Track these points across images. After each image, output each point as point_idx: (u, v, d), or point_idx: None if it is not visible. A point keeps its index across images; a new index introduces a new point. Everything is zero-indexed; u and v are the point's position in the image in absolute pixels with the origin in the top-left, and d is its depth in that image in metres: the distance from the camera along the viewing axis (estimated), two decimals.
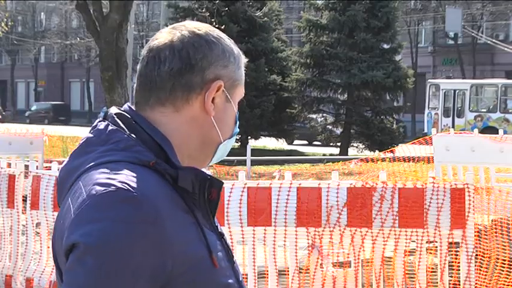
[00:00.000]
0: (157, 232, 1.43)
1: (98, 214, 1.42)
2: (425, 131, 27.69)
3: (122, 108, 1.64)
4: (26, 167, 5.85)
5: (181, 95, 1.60)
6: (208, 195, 1.59)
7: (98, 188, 1.44)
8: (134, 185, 1.44)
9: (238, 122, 1.70)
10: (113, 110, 1.63)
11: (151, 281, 1.44)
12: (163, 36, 1.63)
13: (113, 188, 1.43)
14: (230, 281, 1.58)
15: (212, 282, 1.53)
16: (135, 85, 1.66)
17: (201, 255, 1.51)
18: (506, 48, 33.72)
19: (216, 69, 1.61)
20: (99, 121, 1.62)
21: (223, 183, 1.61)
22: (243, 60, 1.69)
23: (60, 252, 1.49)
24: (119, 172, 1.47)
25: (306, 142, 33.79)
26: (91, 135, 1.59)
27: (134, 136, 1.56)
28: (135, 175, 1.46)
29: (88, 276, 1.40)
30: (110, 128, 1.57)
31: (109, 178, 1.45)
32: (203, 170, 1.73)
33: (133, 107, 1.64)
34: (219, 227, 1.68)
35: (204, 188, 1.57)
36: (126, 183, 1.44)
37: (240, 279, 1.66)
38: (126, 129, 1.57)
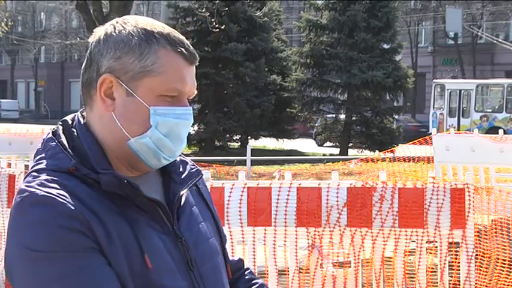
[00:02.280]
0: (77, 223, 1.46)
1: (18, 221, 1.48)
2: (430, 131, 27.66)
3: (77, 113, 1.66)
4: (26, 167, 5.84)
5: (86, 91, 1.60)
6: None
7: (17, 196, 1.51)
8: (46, 188, 1.48)
9: (161, 118, 1.57)
10: (68, 116, 1.66)
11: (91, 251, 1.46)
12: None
13: (26, 193, 1.48)
14: (174, 284, 1.56)
15: (141, 281, 1.52)
16: None
17: (130, 254, 1.51)
18: (507, 47, 33.64)
19: (108, 62, 1.55)
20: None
21: (138, 186, 1.56)
22: (163, 48, 1.56)
23: None
24: (35, 180, 1.51)
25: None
26: (40, 143, 1.64)
27: (65, 143, 1.58)
28: (50, 180, 1.50)
29: (22, 283, 1.46)
30: (48, 136, 1.62)
31: (26, 186, 1.51)
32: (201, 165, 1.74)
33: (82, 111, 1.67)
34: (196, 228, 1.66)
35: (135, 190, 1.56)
36: (38, 188, 1.48)
37: (207, 283, 1.63)
38: (61, 136, 1.59)
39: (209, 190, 1.87)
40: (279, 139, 28.95)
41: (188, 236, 1.63)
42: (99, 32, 1.60)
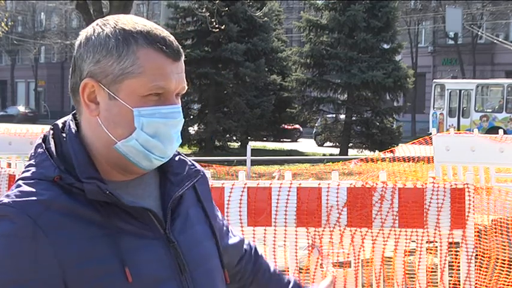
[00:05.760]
0: (34, 247, 1.43)
1: None
2: (430, 131, 27.63)
3: (69, 116, 1.63)
4: None
5: (73, 97, 1.57)
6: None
7: None
8: (19, 201, 1.46)
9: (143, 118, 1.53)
10: (60, 120, 1.64)
11: None
12: None
13: (2, 203, 1.47)
14: None
15: None
16: None
17: (107, 269, 1.47)
18: (507, 47, 33.65)
19: (89, 67, 1.53)
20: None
21: (120, 197, 1.52)
22: (142, 48, 1.52)
23: None
24: (16, 189, 1.50)
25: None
26: (33, 149, 1.61)
27: (53, 149, 1.55)
28: (27, 191, 1.48)
29: None
30: (38, 141, 1.59)
31: (6, 195, 1.49)
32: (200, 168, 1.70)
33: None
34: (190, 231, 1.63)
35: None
36: (12, 200, 1.47)
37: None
38: (50, 142, 1.56)
39: (209, 190, 1.82)
40: (279, 140, 28.96)
41: (182, 240, 1.60)
42: (81, 34, 1.57)
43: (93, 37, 1.53)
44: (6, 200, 1.47)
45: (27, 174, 1.53)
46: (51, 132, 1.59)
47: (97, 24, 1.56)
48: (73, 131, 1.57)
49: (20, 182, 1.52)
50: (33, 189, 1.48)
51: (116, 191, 1.52)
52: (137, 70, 1.51)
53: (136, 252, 1.51)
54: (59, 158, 1.54)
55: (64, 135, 1.58)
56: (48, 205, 1.47)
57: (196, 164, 1.75)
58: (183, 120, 1.61)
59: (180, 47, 1.58)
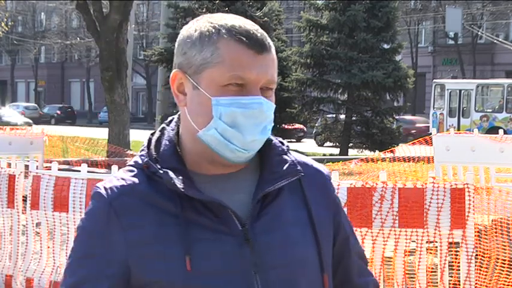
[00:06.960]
0: (106, 227, 1.56)
1: None
2: (430, 131, 27.63)
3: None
4: (26, 167, 5.84)
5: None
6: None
7: None
8: (107, 184, 1.60)
9: (221, 108, 1.53)
10: None
11: (100, 265, 1.55)
12: None
13: (96, 186, 1.63)
14: (223, 286, 1.52)
15: (179, 283, 1.52)
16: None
17: (169, 255, 1.52)
18: (507, 47, 33.65)
19: (178, 59, 1.60)
20: None
21: (183, 187, 1.54)
22: (222, 38, 1.54)
23: None
24: (115, 174, 1.66)
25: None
26: None
27: (154, 140, 1.64)
28: (118, 176, 1.62)
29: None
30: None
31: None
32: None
33: None
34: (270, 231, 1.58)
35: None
36: (103, 183, 1.62)
37: None
38: (156, 134, 1.67)
39: (328, 194, 1.71)
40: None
41: (264, 239, 1.56)
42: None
43: (184, 31, 1.60)
44: (100, 183, 1.62)
45: (131, 162, 1.65)
46: (164, 124, 1.69)
47: (191, 21, 1.63)
48: (173, 124, 1.66)
49: (122, 167, 1.67)
50: (123, 175, 1.61)
51: (199, 184, 1.56)
52: (216, 60, 1.53)
53: (203, 244, 1.53)
54: (155, 148, 1.62)
55: (167, 127, 1.67)
56: (128, 190, 1.58)
57: (312, 164, 1.71)
58: (270, 114, 1.57)
59: (267, 40, 1.57)
